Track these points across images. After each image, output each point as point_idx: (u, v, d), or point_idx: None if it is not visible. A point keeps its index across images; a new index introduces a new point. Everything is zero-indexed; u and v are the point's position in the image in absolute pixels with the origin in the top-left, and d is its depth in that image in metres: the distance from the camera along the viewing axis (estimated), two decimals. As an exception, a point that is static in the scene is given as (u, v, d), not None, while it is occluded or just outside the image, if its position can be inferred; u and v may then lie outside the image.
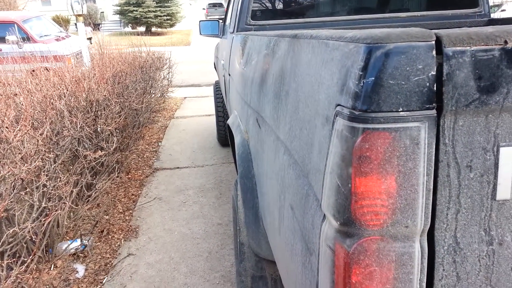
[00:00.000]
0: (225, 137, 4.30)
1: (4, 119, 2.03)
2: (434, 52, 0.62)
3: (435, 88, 0.62)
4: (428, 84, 0.62)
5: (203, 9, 32.27)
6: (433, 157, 0.65)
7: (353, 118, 0.64)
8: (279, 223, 1.17)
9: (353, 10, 2.63)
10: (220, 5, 30.12)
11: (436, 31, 0.63)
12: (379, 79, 0.61)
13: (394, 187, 0.65)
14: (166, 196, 3.38)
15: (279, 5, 2.63)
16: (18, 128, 1.97)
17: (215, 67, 4.78)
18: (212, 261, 2.50)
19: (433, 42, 0.62)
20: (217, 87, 4.41)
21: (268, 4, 2.61)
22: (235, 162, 2.33)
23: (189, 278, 2.35)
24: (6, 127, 1.95)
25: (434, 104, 0.63)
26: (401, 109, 0.62)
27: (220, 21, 3.90)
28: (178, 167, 3.98)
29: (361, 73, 0.63)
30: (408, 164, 0.64)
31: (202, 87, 7.87)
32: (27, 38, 7.08)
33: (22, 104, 2.38)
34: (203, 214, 3.07)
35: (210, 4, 30.54)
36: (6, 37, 6.92)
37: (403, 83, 0.61)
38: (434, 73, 0.62)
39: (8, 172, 1.79)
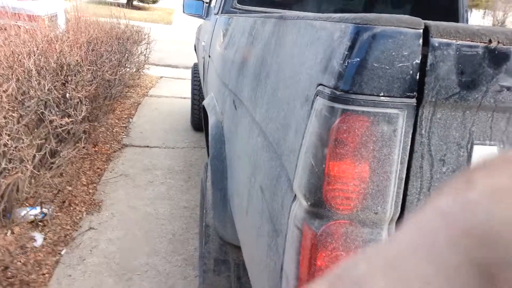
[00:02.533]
0: (199, 121, 4.24)
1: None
2: (421, 41, 0.62)
3: (417, 77, 0.63)
4: (411, 72, 0.62)
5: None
6: (408, 147, 0.65)
7: (334, 98, 0.64)
8: (247, 205, 1.16)
9: (339, 10, 2.64)
10: (207, -13, 29.58)
11: (426, 21, 0.63)
12: (365, 60, 0.61)
13: (367, 172, 0.65)
14: (133, 173, 3.31)
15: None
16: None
17: (195, 49, 4.70)
18: (175, 243, 2.47)
19: (421, 30, 0.62)
20: (195, 69, 4.34)
21: (256, -10, 2.57)
22: (207, 146, 2.31)
23: (151, 258, 2.31)
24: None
25: (414, 93, 0.63)
26: (382, 94, 0.62)
27: (205, 2, 3.82)
28: (148, 146, 3.90)
29: (346, 52, 0.62)
30: (383, 150, 0.64)
31: (179, 69, 7.73)
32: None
33: (-13, 59, 2.25)
34: (169, 195, 3.02)
35: (196, -15, 29.92)
36: (-24, -9, 6.53)
37: (387, 67, 0.61)
38: (419, 61, 0.62)
39: (-34, 129, 1.69)
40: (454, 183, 0.18)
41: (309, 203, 0.69)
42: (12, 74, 2.13)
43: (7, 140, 1.90)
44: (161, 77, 6.91)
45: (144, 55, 5.69)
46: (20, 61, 2.29)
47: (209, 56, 2.59)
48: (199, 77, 4.05)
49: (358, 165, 0.65)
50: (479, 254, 0.15)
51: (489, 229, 0.15)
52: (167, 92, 5.96)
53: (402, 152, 0.65)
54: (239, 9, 2.46)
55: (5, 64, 2.22)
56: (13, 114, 1.97)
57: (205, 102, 2.23)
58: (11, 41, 2.50)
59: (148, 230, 2.56)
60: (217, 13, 2.58)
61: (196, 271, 2.21)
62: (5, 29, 2.80)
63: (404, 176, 0.67)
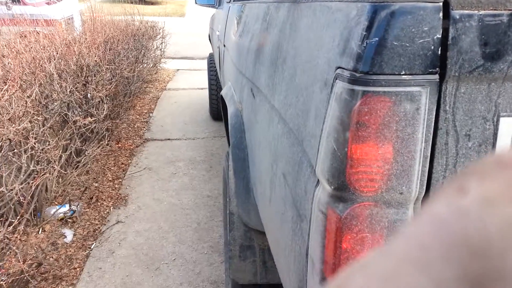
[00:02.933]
0: (217, 110, 4.26)
1: (-9, 78, 1.97)
2: (441, 14, 0.60)
3: (439, 52, 0.61)
4: (432, 47, 0.60)
5: (199, -20, 31.44)
6: (433, 124, 0.64)
7: (354, 80, 0.63)
8: (270, 192, 1.16)
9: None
10: (217, -23, 29.34)
11: None
12: (384, 39, 0.59)
13: (391, 152, 0.64)
14: (156, 166, 3.36)
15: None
16: (5, 88, 1.92)
17: (209, 39, 4.70)
18: (200, 231, 2.51)
19: (441, 3, 0.60)
20: (211, 59, 4.34)
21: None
22: (227, 135, 2.32)
23: (177, 247, 2.36)
24: (-6, 87, 1.89)
25: (437, 69, 0.62)
26: (403, 72, 0.61)
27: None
28: (169, 139, 3.95)
29: (364, 33, 0.61)
30: (407, 129, 0.63)
31: (195, 60, 7.75)
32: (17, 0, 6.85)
33: (11, 65, 2.31)
34: (192, 186, 3.07)
35: (206, -25, 29.73)
36: (-6, -2, 6.69)
37: (408, 45, 0.60)
38: (440, 36, 0.60)
39: (-5, 132, 1.75)
40: (447, 190, 0.17)
41: (332, 187, 0.68)
42: (34, 79, 2.19)
43: (34, 143, 1.95)
44: (178, 69, 6.95)
45: (160, 49, 5.73)
46: (41, 66, 2.35)
47: (224, 46, 2.59)
48: (215, 67, 4.05)
49: (382, 147, 0.64)
50: (472, 265, 0.15)
51: (482, 239, 0.15)
52: (184, 84, 5.99)
53: (426, 130, 0.64)
54: None
55: (28, 70, 2.27)
56: (38, 118, 2.02)
57: (223, 92, 2.23)
58: (31, 48, 2.56)
59: (173, 221, 2.61)
60: (229, 1, 2.56)
61: (222, 257, 2.24)
62: (25, 36, 2.87)
63: (429, 154, 0.66)
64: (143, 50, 4.53)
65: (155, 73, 6.00)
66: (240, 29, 1.92)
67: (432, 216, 0.17)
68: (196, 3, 3.79)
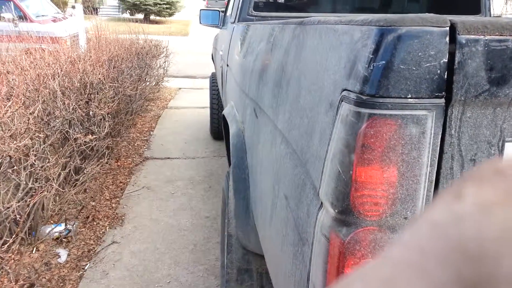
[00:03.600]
0: (218, 129, 4.27)
1: (-6, 94, 1.98)
2: (447, 39, 0.60)
3: (445, 76, 0.61)
4: (439, 71, 0.60)
5: (204, 0, 32.04)
6: (438, 148, 0.63)
7: (360, 103, 0.62)
8: (271, 214, 1.15)
9: (356, 9, 2.62)
10: (221, -3, 29.90)
11: (451, 17, 0.61)
12: (390, 63, 0.59)
13: (396, 176, 0.63)
14: (155, 185, 3.34)
15: (282, -1, 2.61)
16: (9, 105, 1.92)
17: (212, 59, 4.75)
18: (197, 253, 2.47)
19: (447, 28, 0.60)
20: (213, 79, 4.37)
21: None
22: (228, 154, 2.30)
23: (172, 269, 2.32)
24: (-4, 102, 1.90)
25: (443, 93, 0.61)
26: (409, 96, 0.60)
27: (221, 12, 3.86)
28: (169, 158, 3.94)
29: (371, 56, 0.61)
30: (412, 153, 0.62)
31: (197, 79, 7.82)
32: (23, 17, 6.96)
33: (15, 81, 2.32)
34: (191, 206, 3.03)
35: (211, -4, 30.31)
36: (2, 15, 6.80)
37: (414, 68, 0.59)
38: (446, 60, 0.60)
39: (-5, 148, 1.74)
40: (444, 196, 0.18)
41: (336, 210, 0.67)
42: (38, 96, 2.19)
43: (34, 161, 1.94)
44: (180, 88, 6.99)
45: (163, 68, 5.79)
46: (45, 83, 2.36)
47: (227, 65, 2.61)
48: (217, 86, 4.08)
49: (387, 170, 0.63)
50: (467, 269, 0.15)
51: (478, 244, 0.15)
52: (186, 103, 6.02)
53: (431, 154, 0.63)
54: (256, 16, 2.47)
55: (31, 87, 2.28)
56: (39, 135, 2.02)
57: (225, 111, 2.23)
58: (36, 64, 2.58)
59: (170, 242, 2.57)
60: (234, 22, 2.60)
61: (218, 281, 2.20)
62: (31, 53, 2.90)
63: (434, 178, 0.65)
64: (146, 69, 4.57)
65: (157, 92, 6.04)
66: (244, 49, 1.94)
67: (430, 222, 0.17)
68: (200, 23, 3.85)
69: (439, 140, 0.63)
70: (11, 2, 6.98)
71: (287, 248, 0.95)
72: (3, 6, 6.84)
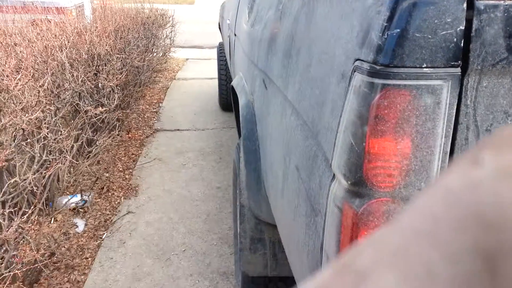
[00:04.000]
0: (226, 101, 4.24)
1: (5, 67, 1.98)
2: (465, 5, 0.58)
3: (462, 44, 0.59)
4: (455, 39, 0.58)
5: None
6: (453, 119, 0.62)
7: (373, 73, 0.61)
8: (282, 185, 1.16)
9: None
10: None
11: None
12: (405, 31, 0.57)
13: (409, 147, 0.63)
14: (166, 157, 3.37)
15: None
16: (18, 78, 1.93)
17: (219, 28, 4.66)
18: (210, 223, 2.52)
19: None
20: (220, 49, 4.31)
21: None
22: (237, 126, 2.30)
23: (187, 238, 2.38)
24: (7, 76, 1.90)
25: (459, 62, 0.60)
26: (424, 65, 0.59)
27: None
28: (178, 129, 3.96)
29: (385, 24, 0.59)
30: (426, 124, 0.61)
31: (204, 49, 7.72)
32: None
33: (23, 54, 2.32)
34: (202, 177, 3.07)
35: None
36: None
37: (430, 37, 0.58)
38: (463, 28, 0.58)
39: (9, 121, 1.76)
40: (460, 162, 0.17)
41: (349, 182, 0.67)
42: (47, 69, 2.19)
43: (47, 133, 1.96)
44: (187, 59, 6.93)
45: (170, 38, 5.71)
46: (53, 55, 2.35)
47: (235, 35, 2.56)
48: (225, 56, 4.02)
49: (400, 141, 0.62)
50: (484, 237, 0.14)
51: (497, 211, 0.14)
52: (194, 74, 5.98)
53: (446, 125, 0.62)
54: None
55: (40, 59, 2.28)
56: (50, 108, 2.03)
57: (233, 83, 2.21)
58: (43, 36, 2.56)
59: (183, 212, 2.62)
60: (241, -10, 2.52)
61: (232, 249, 2.25)
62: (37, 24, 2.87)
63: (448, 149, 0.64)
64: (153, 39, 4.52)
65: (165, 63, 5.99)
66: (252, 18, 1.89)
67: (444, 188, 0.16)
68: (206, -9, 3.75)
69: (454, 110, 0.62)
70: (15, -28, 6.85)
71: (299, 219, 0.96)
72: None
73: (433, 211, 0.16)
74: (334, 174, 0.73)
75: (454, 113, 0.62)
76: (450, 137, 0.63)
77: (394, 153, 0.63)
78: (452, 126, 0.63)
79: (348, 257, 0.18)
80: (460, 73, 0.60)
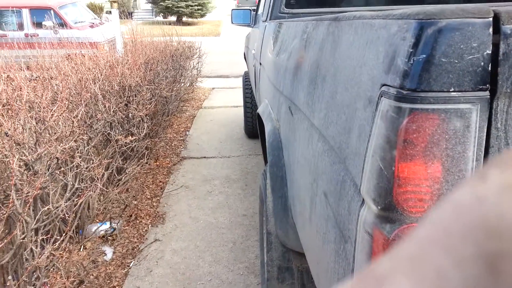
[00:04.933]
0: (252, 128, 4.29)
1: (42, 100, 2.09)
2: (491, 30, 0.58)
3: (489, 68, 0.59)
4: (482, 63, 0.58)
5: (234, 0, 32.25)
6: (484, 142, 0.61)
7: (400, 98, 0.61)
8: (310, 212, 1.15)
9: (388, 2, 2.56)
10: (252, -4, 29.97)
11: (494, 7, 0.59)
12: (431, 56, 0.58)
13: (440, 171, 0.62)
14: (193, 184, 3.41)
15: (313, -5, 2.58)
16: (54, 109, 2.02)
17: (244, 58, 4.77)
18: (236, 251, 2.50)
19: (491, 19, 0.58)
20: (246, 77, 4.40)
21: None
22: (263, 153, 2.32)
23: (213, 267, 2.36)
24: (43, 108, 2.00)
25: (487, 86, 0.59)
26: (452, 89, 0.59)
27: (252, 10, 3.87)
28: (205, 157, 4.01)
29: (411, 50, 0.60)
30: (456, 148, 0.61)
31: (230, 78, 7.89)
32: (63, 24, 7.29)
33: (59, 86, 2.44)
34: (228, 204, 3.08)
35: (241, -5, 30.47)
36: (43, 23, 7.14)
37: (456, 61, 0.58)
38: (490, 52, 0.58)
39: (44, 150, 1.84)
40: (469, 180, 0.19)
41: (379, 207, 0.67)
42: (80, 100, 2.30)
43: (79, 162, 2.04)
44: (213, 88, 7.09)
45: (197, 68, 5.88)
46: (86, 87, 2.46)
47: (260, 64, 2.62)
48: (250, 85, 4.10)
49: (430, 165, 0.62)
50: (488, 245, 0.16)
51: (499, 222, 0.16)
52: (220, 103, 6.10)
53: (477, 148, 0.62)
54: (287, 13, 2.46)
55: (74, 91, 2.39)
56: (83, 137, 2.11)
57: (259, 110, 2.25)
58: (77, 70, 2.70)
59: (209, 240, 2.62)
60: (265, 20, 2.60)
61: (259, 279, 2.21)
62: (71, 59, 3.03)
63: None
64: (180, 70, 4.67)
65: (192, 92, 6.15)
66: (277, 47, 1.94)
67: (454, 202, 0.18)
68: (232, 22, 3.88)
69: (485, 133, 0.61)
70: (51, 10, 7.31)
71: (328, 246, 0.95)
72: (45, 15, 7.18)
73: (444, 223, 0.18)
74: (363, 199, 0.73)
75: (485, 136, 0.61)
76: (482, 161, 0.62)
77: (425, 177, 0.63)
78: (483, 150, 0.62)
79: (368, 268, 0.20)
80: (489, 97, 0.60)
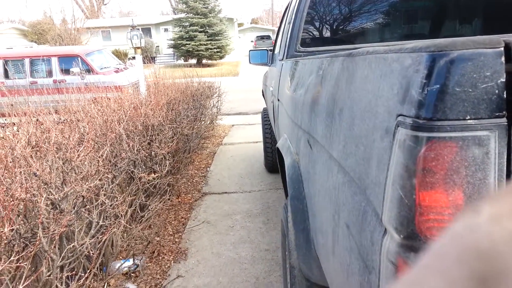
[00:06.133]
0: (272, 163, 4.32)
1: (69, 141, 2.17)
2: (503, 59, 0.60)
3: (505, 95, 0.60)
4: (497, 91, 0.60)
5: (251, 41, 33.32)
6: (505, 168, 0.62)
7: (417, 127, 0.63)
8: (333, 244, 1.14)
9: (404, 36, 2.61)
10: (268, 37, 30.94)
11: (505, 37, 0.61)
12: (445, 86, 0.60)
13: (462, 199, 0.62)
14: (214, 220, 3.41)
15: (327, 33, 2.67)
16: (81, 150, 2.10)
17: (263, 95, 4.88)
18: (259, 287, 2.46)
19: (502, 48, 0.60)
20: (265, 114, 4.47)
21: (316, 32, 2.65)
22: (284, 186, 2.32)
23: (236, 303, 2.32)
24: (71, 148, 2.08)
25: (504, 112, 0.60)
26: (468, 117, 0.60)
27: (269, 51, 4.00)
28: (226, 192, 4.03)
29: (425, 81, 0.62)
30: (477, 174, 0.61)
31: (249, 115, 8.02)
32: (89, 70, 7.65)
33: (85, 128, 2.54)
34: (250, 239, 3.05)
35: (258, 36, 31.49)
36: (71, 69, 7.52)
37: (470, 90, 0.60)
38: (504, 80, 0.60)
39: (71, 189, 1.90)
40: (464, 212, 0.21)
41: (402, 236, 0.66)
42: (106, 140, 2.38)
43: (104, 200, 2.09)
44: (233, 125, 7.20)
45: (216, 107, 6.02)
46: (111, 128, 2.56)
47: (278, 100, 2.67)
48: (269, 121, 4.16)
49: (452, 193, 0.62)
50: (479, 267, 0.18)
51: (490, 247, 0.18)
52: (239, 139, 6.18)
53: (498, 174, 0.62)
54: (303, 51, 2.54)
55: (100, 132, 2.49)
56: (108, 176, 2.17)
57: (279, 144, 2.28)
58: (103, 112, 2.82)
59: (232, 275, 2.58)
60: (282, 59, 2.68)
61: (284, 317, 2.16)
62: (97, 102, 3.17)
63: None
64: (201, 109, 4.79)
65: (212, 129, 6.26)
66: (294, 83, 1.99)
67: (449, 232, 0.21)
68: (250, 62, 4.01)
69: (505, 160, 0.62)
70: (79, 58, 7.71)
71: (352, 278, 0.93)
72: (72, 62, 7.58)
73: (440, 250, 0.21)
74: (385, 229, 0.73)
75: (505, 162, 0.62)
76: (504, 186, 0.62)
77: (447, 205, 0.63)
78: (504, 176, 0.62)
79: None
80: (506, 123, 0.61)
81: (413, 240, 0.65)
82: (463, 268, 0.19)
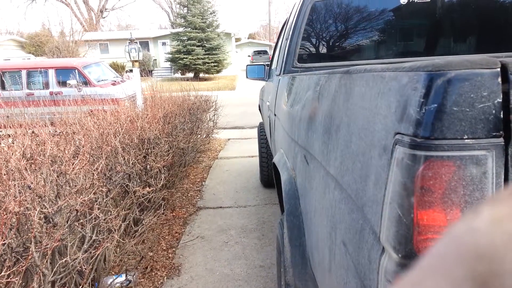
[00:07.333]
0: (268, 177, 4.30)
1: (64, 154, 2.16)
2: (499, 80, 0.60)
3: (501, 115, 0.60)
4: (494, 111, 0.60)
5: (249, 56, 33.64)
6: (502, 188, 0.62)
7: (415, 145, 0.63)
8: (329, 261, 1.13)
9: (400, 53, 2.64)
10: (265, 52, 31.26)
11: (501, 58, 0.62)
12: (442, 105, 0.60)
13: (460, 218, 0.62)
14: (209, 235, 3.38)
15: (324, 49, 2.69)
16: (76, 163, 2.08)
17: (259, 110, 4.90)
18: (254, 304, 2.42)
19: (498, 69, 0.61)
20: (261, 128, 4.48)
21: (313, 49, 2.68)
22: (280, 202, 2.31)
23: (230, 320, 2.28)
24: (66, 161, 2.07)
25: (501, 132, 0.61)
26: (466, 137, 0.60)
27: (266, 65, 4.04)
28: (221, 207, 4.00)
29: (422, 100, 0.62)
30: (475, 194, 0.61)
31: (245, 129, 8.03)
32: (86, 82, 7.66)
33: (81, 141, 2.53)
34: (245, 255, 3.02)
35: (255, 51, 31.82)
36: (68, 82, 7.53)
37: (468, 110, 0.60)
38: (500, 100, 0.60)
39: (64, 203, 1.88)
40: (465, 215, 0.22)
41: (400, 255, 0.66)
42: (101, 153, 2.37)
43: (98, 214, 2.06)
44: (229, 139, 7.20)
45: (213, 120, 6.03)
46: (107, 141, 2.55)
47: (275, 115, 2.68)
48: (265, 135, 4.16)
49: (450, 212, 0.62)
50: (479, 268, 0.19)
51: (489, 247, 0.19)
52: (235, 153, 6.17)
53: (496, 194, 0.62)
54: (300, 67, 2.56)
55: (95, 145, 2.47)
56: (102, 189, 2.15)
57: (275, 159, 2.27)
58: (99, 125, 2.81)
59: (227, 293, 2.54)
60: (279, 74, 2.70)
61: (279, 335, 2.12)
62: (94, 114, 3.17)
63: None
64: (197, 122, 4.80)
65: (208, 143, 6.25)
66: (291, 99, 2.00)
67: (450, 234, 0.21)
68: (247, 77, 4.03)
69: (502, 179, 0.62)
70: (76, 70, 7.73)
71: (349, 297, 0.92)
72: (70, 74, 7.59)
73: (441, 251, 0.21)
74: (383, 248, 0.72)
75: (503, 182, 0.62)
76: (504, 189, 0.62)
77: (445, 224, 0.63)
78: None
79: None
80: (503, 143, 0.61)
81: (411, 259, 0.65)
82: (463, 270, 0.19)
